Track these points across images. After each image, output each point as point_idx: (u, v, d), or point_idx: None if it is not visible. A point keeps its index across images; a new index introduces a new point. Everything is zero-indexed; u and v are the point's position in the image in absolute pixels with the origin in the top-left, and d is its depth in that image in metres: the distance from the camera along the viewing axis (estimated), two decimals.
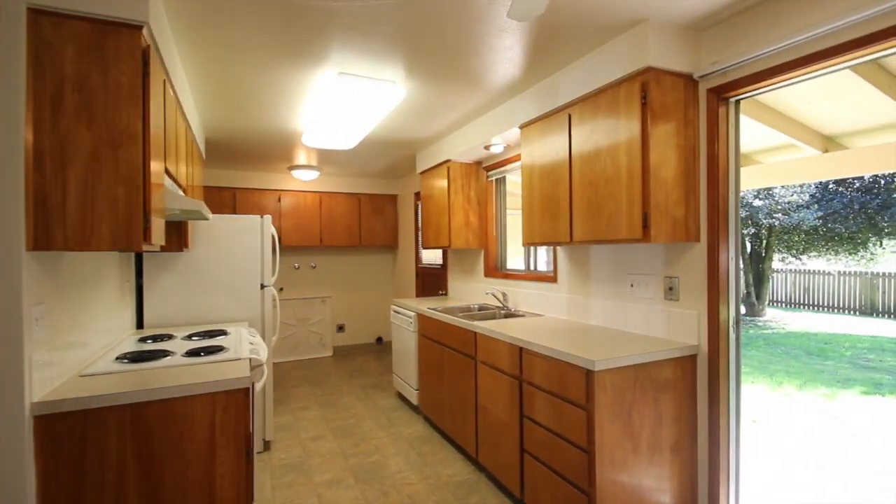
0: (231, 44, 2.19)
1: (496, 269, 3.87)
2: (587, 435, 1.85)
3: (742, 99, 2.01)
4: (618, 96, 2.07)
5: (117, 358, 1.88)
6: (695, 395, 2.09)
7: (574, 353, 1.92)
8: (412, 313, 3.70)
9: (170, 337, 2.38)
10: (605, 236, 2.15)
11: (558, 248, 2.99)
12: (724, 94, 1.99)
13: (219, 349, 2.06)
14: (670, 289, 2.22)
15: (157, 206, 1.66)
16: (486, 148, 3.44)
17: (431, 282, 5.08)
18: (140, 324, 2.78)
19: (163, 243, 1.78)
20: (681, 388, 2.05)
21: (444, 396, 3.19)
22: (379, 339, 6.27)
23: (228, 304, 2.97)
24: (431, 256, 5.13)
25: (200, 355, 1.98)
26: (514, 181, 3.79)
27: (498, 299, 3.49)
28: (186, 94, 2.68)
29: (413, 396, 3.73)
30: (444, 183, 3.87)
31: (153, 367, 1.79)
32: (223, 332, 2.49)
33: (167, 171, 2.14)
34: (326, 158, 4.69)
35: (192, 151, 2.95)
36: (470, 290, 4.11)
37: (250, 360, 1.96)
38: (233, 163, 4.79)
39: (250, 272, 3.03)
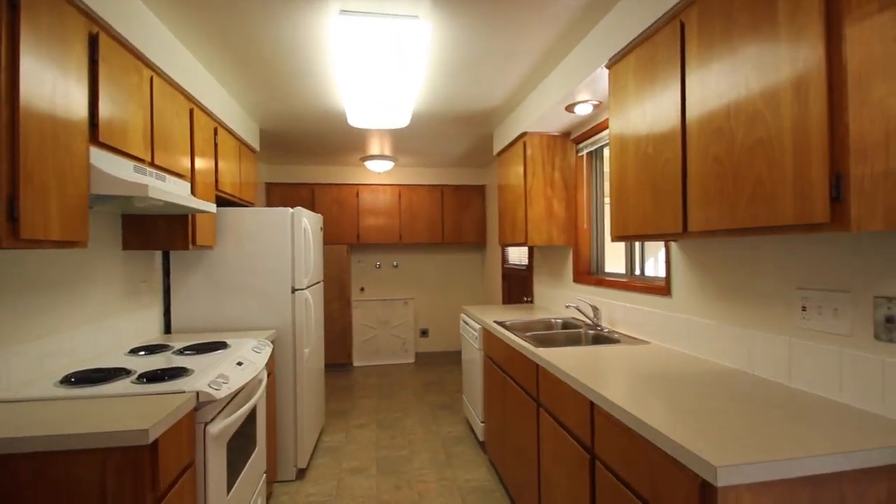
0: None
1: (588, 272, 2.94)
2: None
3: None
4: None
5: (64, 378, 1.54)
6: None
7: (678, 440, 1.02)
8: (478, 326, 2.98)
9: (163, 348, 2.05)
10: (749, 222, 1.18)
11: (672, 244, 2.00)
12: None
13: (180, 372, 1.62)
14: (889, 320, 1.15)
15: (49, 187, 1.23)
16: (571, 109, 2.55)
17: (518, 285, 4.27)
18: (168, 328, 2.56)
19: (80, 238, 1.37)
20: None
21: (507, 441, 2.41)
22: None
23: (256, 309, 2.61)
24: (517, 255, 4.31)
25: (164, 380, 1.55)
26: None
27: (584, 315, 2.58)
28: (208, 86, 2.37)
29: (479, 430, 3.01)
30: (520, 163, 3.06)
31: (86, 396, 1.40)
32: (222, 346, 2.08)
33: (153, 163, 1.83)
34: (399, 146, 4.20)
35: (223, 145, 2.64)
36: (557, 298, 3.23)
37: (198, 394, 1.47)
38: (306, 156, 4.60)
39: (279, 274, 2.62)
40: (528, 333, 2.42)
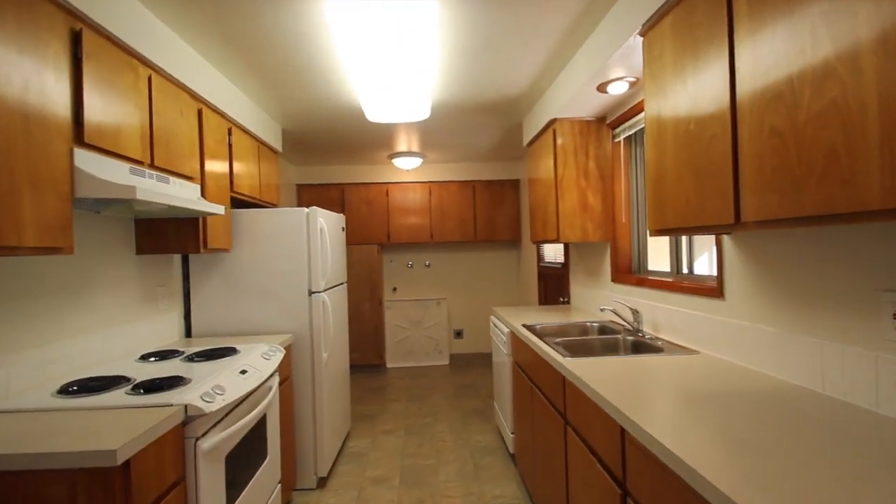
0: None
1: (628, 271, 2.65)
2: None
3: None
4: None
5: (62, 387, 1.51)
6: None
7: (724, 489, 0.79)
8: (506, 329, 2.78)
9: (174, 354, 2.00)
10: (820, 208, 0.92)
11: (725, 238, 1.71)
12: None
13: (177, 382, 1.55)
14: None
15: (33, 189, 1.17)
16: (604, 89, 2.29)
17: (554, 285, 4.01)
18: (189, 332, 2.55)
19: (62, 244, 1.31)
20: None
21: (536, 457, 2.20)
22: None
23: (273, 312, 2.55)
24: (553, 253, 4.05)
25: (161, 389, 1.49)
26: None
27: (623, 318, 2.31)
28: (218, 85, 2.31)
29: (509, 440, 2.81)
30: (550, 152, 2.82)
31: (76, 407, 1.35)
32: (232, 352, 2.02)
33: (153, 165, 1.79)
34: (426, 141, 4.06)
35: (239, 146, 2.60)
36: (594, 298, 2.96)
37: (186, 408, 1.38)
38: (334, 156, 4.55)
39: (295, 276, 2.54)
40: (557, 339, 2.19)
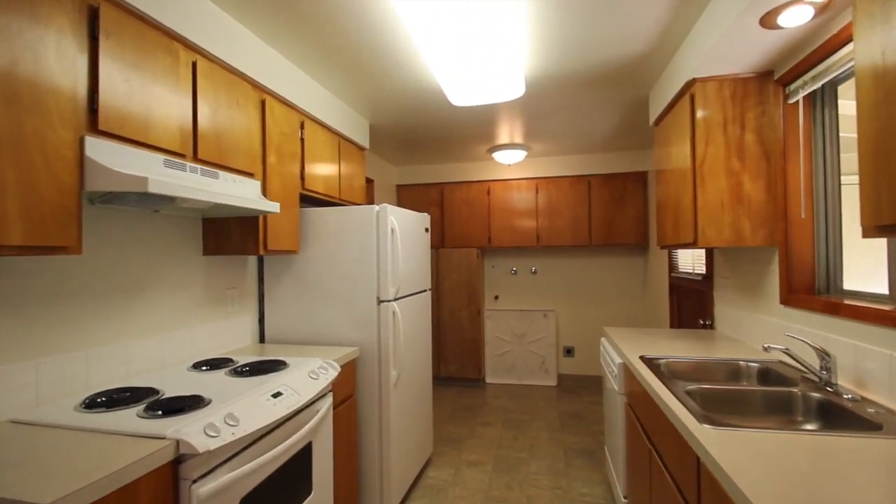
0: None
1: (810, 289, 1.82)
2: None
3: None
4: None
5: (89, 399, 1.40)
6: None
7: None
8: (618, 360, 2.13)
9: (226, 364, 1.84)
10: None
11: None
12: None
13: (196, 403, 1.33)
14: None
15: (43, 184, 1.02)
16: (771, 23, 1.55)
17: (690, 302, 3.16)
18: (262, 337, 2.44)
19: (64, 242, 1.15)
20: None
21: None
22: None
23: (341, 322, 2.30)
24: (690, 260, 3.18)
25: (181, 411, 1.29)
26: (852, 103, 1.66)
27: (801, 362, 1.53)
28: (285, 74, 2.14)
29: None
30: (685, 127, 2.10)
31: (79, 427, 1.21)
32: (281, 366, 1.78)
33: (196, 158, 1.65)
34: (529, 129, 3.54)
35: (313, 140, 2.43)
36: (752, 326, 2.15)
37: (178, 444, 1.13)
38: (432, 154, 4.28)
39: (362, 282, 2.26)
40: (691, 386, 1.52)
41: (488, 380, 4.70)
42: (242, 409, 1.35)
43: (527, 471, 2.80)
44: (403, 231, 2.45)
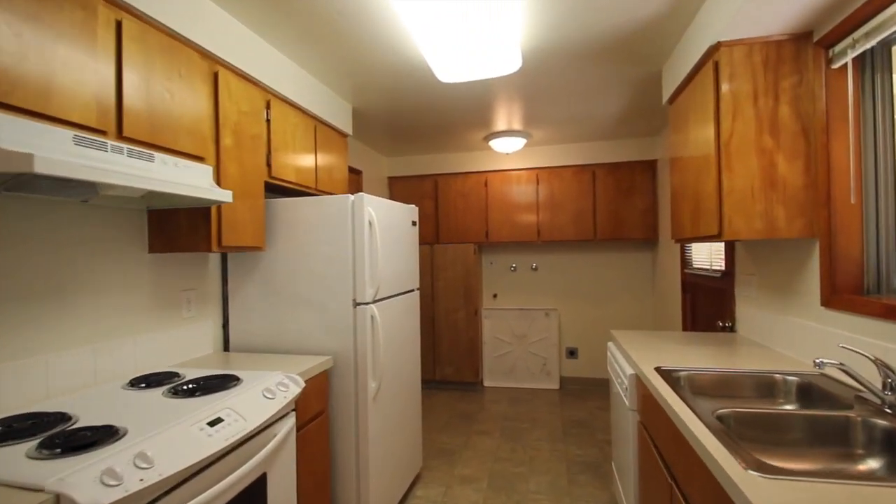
0: None
1: (858, 289, 1.53)
2: None
3: None
4: None
5: None
6: None
7: None
8: (628, 369, 1.85)
9: (169, 379, 1.57)
10: None
11: None
12: None
13: (106, 436, 1.06)
14: None
15: None
16: None
17: (706, 301, 2.87)
18: (227, 345, 2.17)
19: None
20: None
21: None
22: None
23: (312, 327, 2.03)
24: (705, 255, 2.89)
25: (86, 448, 1.02)
26: None
27: (854, 377, 1.25)
28: (244, 41, 1.84)
29: None
30: (709, 100, 1.81)
31: None
32: (233, 382, 1.51)
33: (122, 136, 1.37)
34: (529, 113, 3.25)
35: (282, 122, 2.15)
36: (786, 330, 1.86)
37: (57, 498, 0.86)
38: (425, 143, 3.99)
39: (336, 283, 1.99)
40: (723, 410, 1.24)
41: (486, 383, 4.43)
42: (162, 444, 1.08)
43: (525, 488, 2.53)
44: (385, 224, 2.17)
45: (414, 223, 2.59)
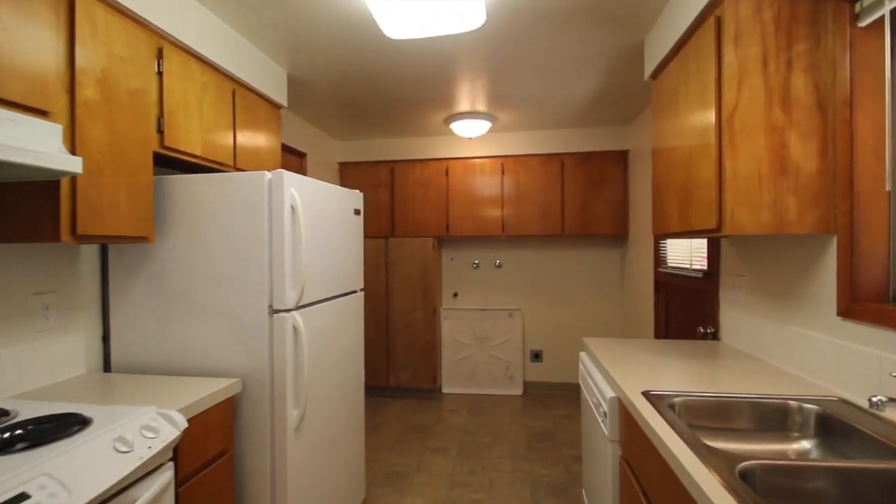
0: None
1: (882, 296, 1.27)
2: None
3: None
4: None
5: None
6: None
7: None
8: (607, 391, 1.53)
9: None
10: None
11: None
12: None
13: None
14: None
15: None
16: None
17: (683, 303, 2.62)
18: (108, 363, 1.70)
19: None
20: None
21: None
22: None
23: (216, 340, 1.60)
24: (682, 252, 2.64)
25: None
26: None
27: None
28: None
29: None
30: (708, 67, 1.51)
31: None
32: (76, 426, 1.07)
33: None
34: (494, 91, 2.90)
35: (183, 80, 1.69)
36: (789, 342, 1.59)
37: None
38: (381, 126, 3.57)
39: (248, 284, 1.56)
40: (745, 464, 0.93)
41: (445, 389, 4.09)
42: None
43: None
44: (316, 211, 1.76)
45: (357, 211, 2.18)
